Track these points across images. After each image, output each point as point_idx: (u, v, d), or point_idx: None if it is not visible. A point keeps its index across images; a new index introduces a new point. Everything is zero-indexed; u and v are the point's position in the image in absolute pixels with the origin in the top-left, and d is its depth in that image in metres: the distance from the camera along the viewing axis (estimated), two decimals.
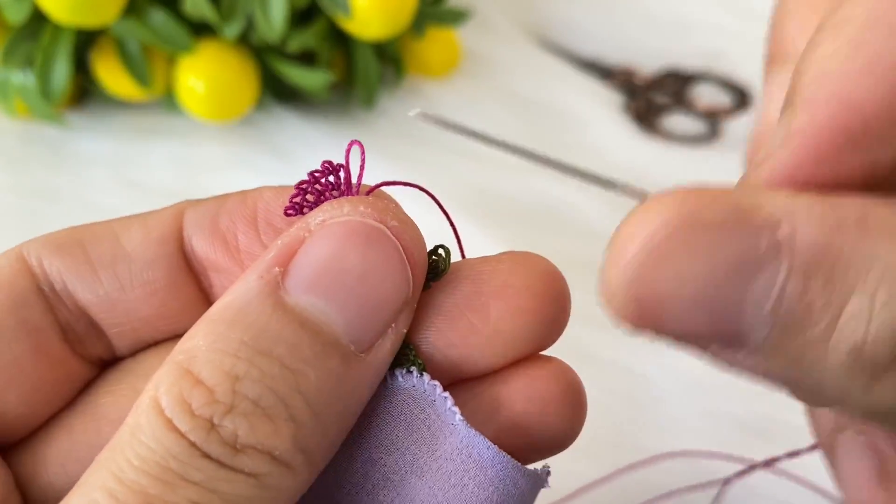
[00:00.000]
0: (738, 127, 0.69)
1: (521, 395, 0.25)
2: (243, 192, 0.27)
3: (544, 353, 0.26)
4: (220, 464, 0.20)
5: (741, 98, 0.72)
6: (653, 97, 0.72)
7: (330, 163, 0.24)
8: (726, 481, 0.36)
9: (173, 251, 0.26)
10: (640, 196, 0.21)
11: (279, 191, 0.26)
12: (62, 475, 0.25)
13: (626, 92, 0.75)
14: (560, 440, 0.26)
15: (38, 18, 0.57)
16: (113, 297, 0.26)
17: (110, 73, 0.61)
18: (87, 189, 0.61)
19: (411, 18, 0.62)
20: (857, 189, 0.18)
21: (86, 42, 0.61)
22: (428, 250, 0.24)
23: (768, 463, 0.33)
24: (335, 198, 0.24)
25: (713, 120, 0.70)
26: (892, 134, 0.18)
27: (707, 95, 0.73)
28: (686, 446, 0.48)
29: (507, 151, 0.23)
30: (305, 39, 0.60)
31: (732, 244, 0.18)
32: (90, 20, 0.56)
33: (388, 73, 0.69)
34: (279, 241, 0.22)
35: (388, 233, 0.22)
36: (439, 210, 0.26)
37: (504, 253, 0.26)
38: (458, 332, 0.24)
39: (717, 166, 0.65)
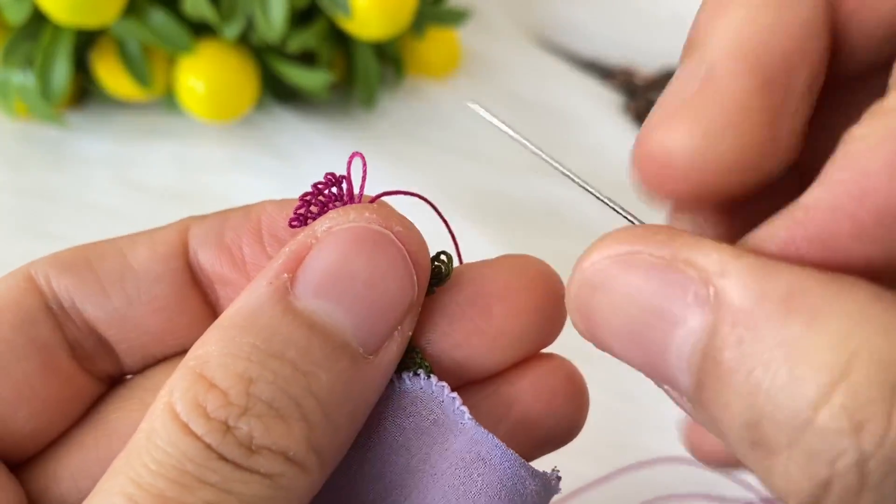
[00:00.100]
0: None
1: (527, 392, 0.26)
2: (246, 207, 0.27)
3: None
4: (236, 465, 0.20)
5: None
6: (653, 97, 0.71)
7: (333, 174, 0.25)
8: None
9: (180, 266, 0.27)
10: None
11: (282, 204, 0.27)
12: (74, 491, 0.25)
13: (626, 92, 0.75)
14: (566, 433, 0.26)
15: (38, 18, 0.57)
16: (121, 312, 0.26)
17: (110, 73, 0.61)
18: (87, 189, 0.61)
19: (411, 18, 0.62)
20: (856, 273, 0.18)
21: (86, 42, 0.61)
22: (430, 257, 0.25)
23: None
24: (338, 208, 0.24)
25: None
26: None
27: None
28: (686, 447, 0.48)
29: (547, 162, 0.23)
30: (305, 39, 0.60)
31: (662, 289, 0.19)
32: (90, 20, 0.56)
33: (388, 73, 0.70)
34: (287, 249, 0.23)
35: (394, 238, 0.23)
36: (431, 214, 0.26)
37: (502, 256, 0.26)
38: (462, 334, 0.25)
39: None
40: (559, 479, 0.24)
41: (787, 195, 0.21)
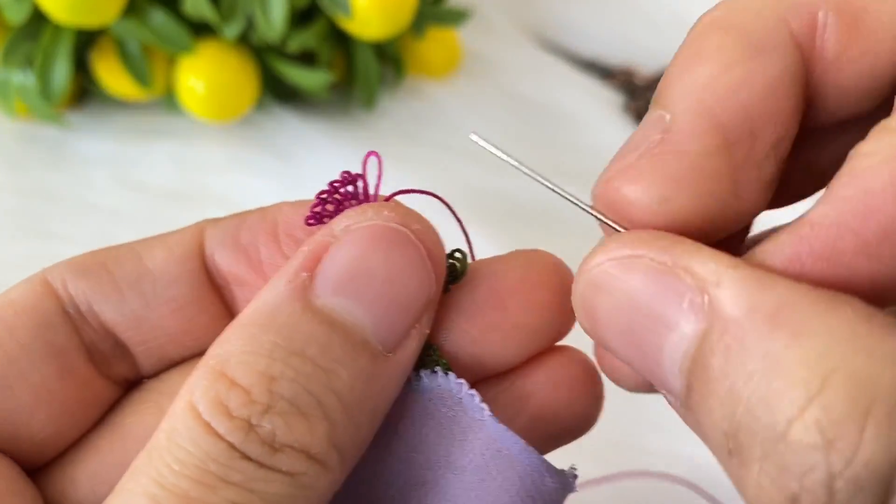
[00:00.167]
0: None
1: (543, 384, 0.26)
2: (262, 209, 0.27)
3: None
4: (259, 464, 0.20)
5: None
6: (653, 97, 0.71)
7: (348, 173, 0.25)
8: None
9: (196, 267, 0.27)
10: None
11: (297, 205, 0.27)
12: (91, 496, 0.25)
13: (626, 92, 0.75)
14: (582, 424, 0.27)
15: (38, 18, 0.57)
16: (139, 315, 0.26)
17: (110, 73, 0.61)
18: (87, 189, 0.61)
19: (411, 18, 0.62)
20: (854, 291, 0.19)
21: (86, 42, 0.61)
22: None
23: None
24: (354, 206, 0.24)
25: None
26: None
27: None
28: (686, 447, 0.48)
29: (548, 187, 0.24)
30: (305, 39, 0.60)
31: (660, 293, 0.20)
32: (90, 20, 0.56)
33: (388, 73, 0.70)
34: (305, 248, 0.23)
35: (412, 235, 0.23)
36: (440, 212, 0.26)
37: (513, 252, 0.26)
38: (479, 330, 0.25)
39: None
40: (576, 476, 0.24)
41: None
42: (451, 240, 0.26)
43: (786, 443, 0.17)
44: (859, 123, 0.22)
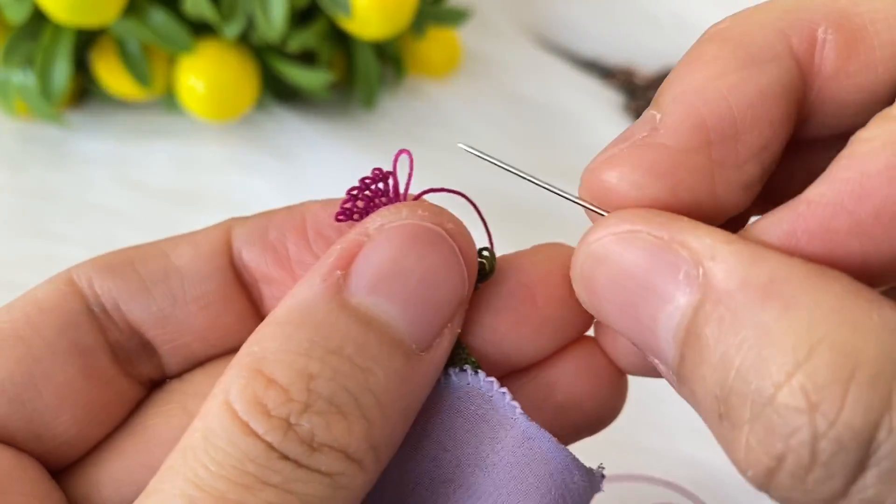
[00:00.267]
0: None
1: (570, 376, 0.26)
2: (289, 207, 0.27)
3: None
4: (298, 464, 0.20)
5: None
6: (653, 97, 0.71)
7: (379, 170, 0.25)
8: None
9: (224, 265, 0.27)
10: None
11: (325, 203, 0.27)
12: (116, 497, 0.25)
13: (626, 92, 0.75)
14: (607, 415, 0.27)
15: (39, 18, 0.57)
16: (166, 312, 0.26)
17: (110, 73, 0.61)
18: (87, 189, 0.61)
19: (411, 18, 0.62)
20: (851, 269, 0.19)
21: (86, 42, 0.61)
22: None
23: None
24: (384, 203, 0.25)
25: None
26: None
27: None
28: (686, 447, 0.48)
29: (542, 187, 0.24)
30: (305, 39, 0.60)
31: (656, 266, 0.20)
32: (90, 20, 0.56)
33: (388, 73, 0.69)
34: (338, 246, 0.23)
35: (446, 235, 0.23)
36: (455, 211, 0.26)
37: (535, 246, 0.27)
38: (507, 326, 0.25)
39: None
40: (603, 476, 0.25)
41: None
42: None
43: (773, 406, 0.18)
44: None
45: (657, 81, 0.74)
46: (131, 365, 0.27)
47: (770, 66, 0.22)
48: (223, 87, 0.61)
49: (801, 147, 0.24)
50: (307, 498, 0.20)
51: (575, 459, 0.24)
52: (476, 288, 0.25)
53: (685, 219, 0.21)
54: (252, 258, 0.27)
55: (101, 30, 0.60)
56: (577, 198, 0.24)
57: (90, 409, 0.25)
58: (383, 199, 0.25)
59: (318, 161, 0.63)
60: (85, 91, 0.66)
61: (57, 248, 0.57)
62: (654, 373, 0.24)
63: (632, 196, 0.22)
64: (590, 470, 0.24)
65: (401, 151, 0.25)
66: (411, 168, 0.25)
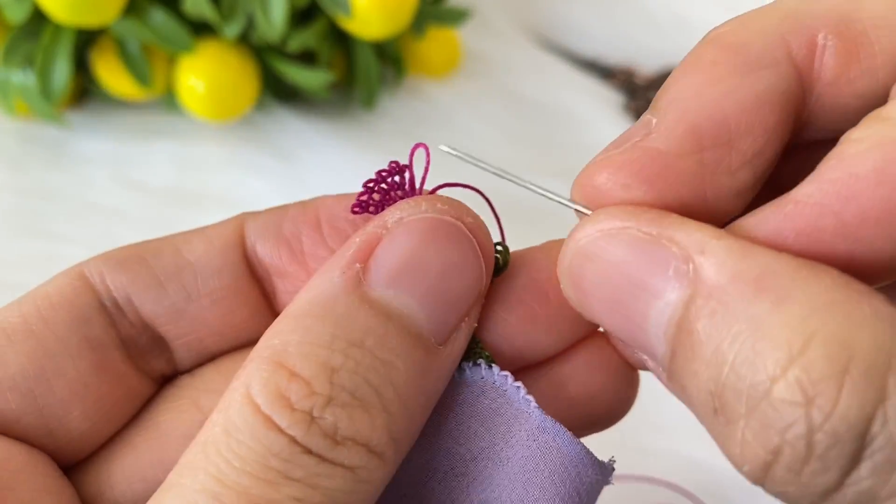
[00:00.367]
0: None
1: (582, 369, 0.26)
2: (303, 202, 0.27)
3: None
4: (321, 458, 0.20)
5: None
6: (653, 97, 0.71)
7: (396, 163, 0.25)
8: None
9: (237, 259, 0.27)
10: None
11: (339, 198, 0.27)
12: (128, 493, 0.25)
13: (626, 92, 0.75)
14: (619, 409, 0.27)
15: (39, 18, 0.57)
16: (179, 307, 0.26)
17: (110, 73, 0.61)
18: (87, 189, 0.61)
19: (411, 18, 0.62)
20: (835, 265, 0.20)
21: (86, 42, 0.61)
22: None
23: None
24: (399, 197, 0.25)
25: None
26: (884, 232, 0.19)
27: None
28: (686, 447, 0.48)
29: (530, 189, 0.25)
30: (305, 39, 0.60)
31: (646, 262, 0.20)
32: (90, 20, 0.56)
33: (388, 73, 0.69)
34: (357, 239, 0.23)
35: (465, 229, 0.23)
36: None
37: (548, 242, 0.27)
38: (521, 321, 0.25)
39: None
40: (613, 469, 0.25)
41: None
42: None
43: (769, 400, 0.18)
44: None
45: (657, 81, 0.74)
46: (143, 360, 0.27)
47: (767, 73, 0.22)
48: (223, 87, 0.61)
49: (805, 147, 0.24)
50: (330, 492, 0.20)
51: (589, 453, 0.24)
52: (490, 282, 0.25)
53: (673, 215, 0.21)
54: (266, 252, 0.27)
55: (101, 30, 0.60)
56: (561, 198, 0.24)
57: (102, 405, 0.25)
58: (399, 193, 0.25)
59: (318, 161, 0.63)
60: (85, 91, 0.66)
61: (57, 248, 0.57)
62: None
63: (620, 197, 0.22)
64: (602, 463, 0.24)
65: (417, 145, 0.25)
66: (427, 162, 0.25)
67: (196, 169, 0.63)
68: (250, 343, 0.27)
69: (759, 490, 0.20)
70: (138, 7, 0.58)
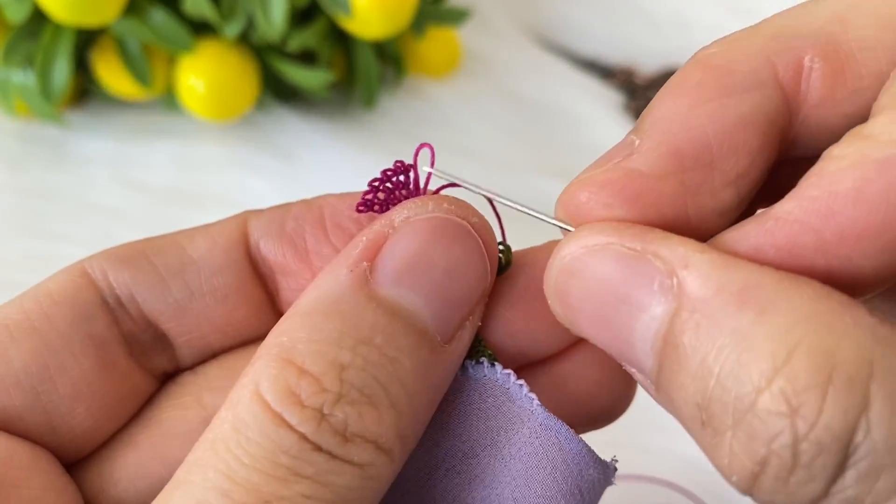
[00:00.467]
0: None
1: (582, 367, 0.26)
2: (306, 200, 0.27)
3: None
4: (331, 455, 0.20)
5: None
6: (653, 97, 0.71)
7: (402, 162, 0.25)
8: None
9: (240, 257, 0.27)
10: None
11: (343, 196, 0.27)
12: (131, 490, 0.25)
13: (626, 92, 0.75)
14: (617, 407, 0.27)
15: (39, 18, 0.57)
16: (182, 304, 0.26)
17: (110, 73, 0.61)
18: (87, 189, 0.61)
19: (411, 18, 0.62)
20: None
21: (86, 41, 0.61)
22: None
23: None
24: (404, 196, 0.25)
25: None
26: (867, 249, 0.19)
27: None
28: (686, 447, 0.48)
29: (518, 209, 0.25)
30: (305, 39, 0.60)
31: (631, 277, 0.21)
32: (90, 19, 0.56)
33: (388, 72, 0.70)
34: (364, 237, 0.23)
35: (471, 229, 0.24)
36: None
37: (549, 242, 0.27)
38: (523, 319, 0.25)
39: None
40: (616, 469, 0.25)
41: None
42: None
43: (754, 411, 0.18)
44: None
45: (657, 81, 0.74)
46: (146, 357, 0.27)
47: (752, 95, 0.22)
48: (223, 87, 0.61)
49: (792, 163, 0.24)
50: (339, 490, 0.20)
51: (591, 451, 0.24)
52: None
53: (657, 230, 0.21)
54: (270, 250, 0.27)
55: (101, 29, 0.60)
56: (545, 215, 0.24)
57: (105, 402, 0.25)
58: (403, 192, 0.25)
59: (318, 161, 0.63)
60: (85, 91, 0.66)
61: (57, 248, 0.57)
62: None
63: (602, 216, 0.22)
64: (604, 462, 0.24)
65: (422, 145, 0.25)
66: (432, 162, 0.25)
67: (196, 169, 0.63)
68: (253, 340, 0.27)
69: None
70: (138, 7, 0.58)
